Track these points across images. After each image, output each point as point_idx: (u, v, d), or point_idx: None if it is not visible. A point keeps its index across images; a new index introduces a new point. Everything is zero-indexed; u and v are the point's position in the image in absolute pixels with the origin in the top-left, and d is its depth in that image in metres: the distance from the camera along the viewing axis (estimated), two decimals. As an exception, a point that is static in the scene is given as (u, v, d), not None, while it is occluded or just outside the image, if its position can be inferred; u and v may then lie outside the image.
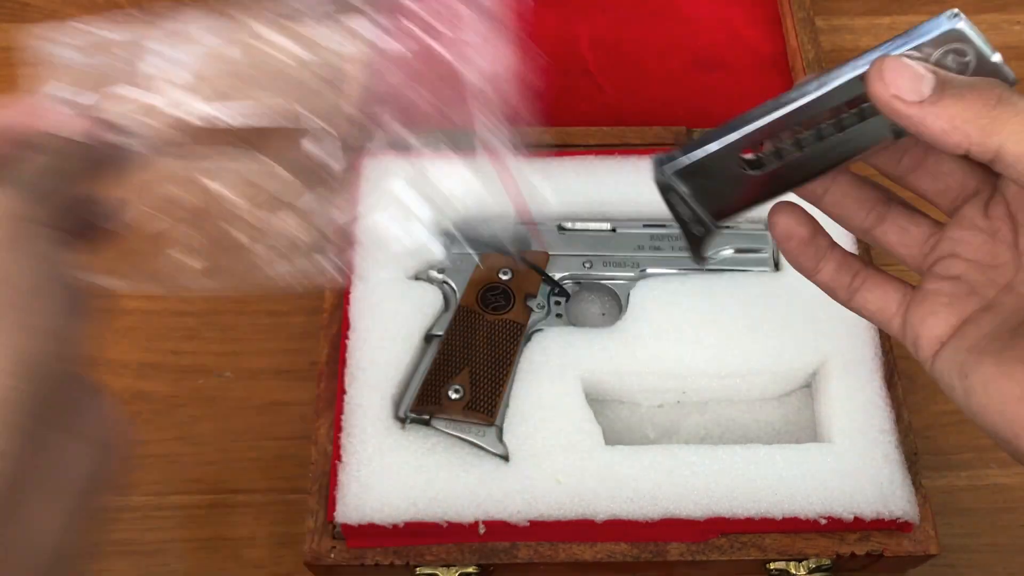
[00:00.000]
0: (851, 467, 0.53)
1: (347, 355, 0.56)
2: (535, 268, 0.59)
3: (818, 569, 0.53)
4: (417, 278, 0.60)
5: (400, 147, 0.47)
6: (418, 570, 0.52)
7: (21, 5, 0.79)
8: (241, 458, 0.61)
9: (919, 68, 0.32)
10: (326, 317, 0.59)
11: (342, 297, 0.59)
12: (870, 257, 0.57)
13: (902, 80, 0.31)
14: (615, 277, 0.60)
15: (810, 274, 0.41)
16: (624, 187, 0.63)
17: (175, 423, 0.62)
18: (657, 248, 0.61)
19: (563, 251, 0.61)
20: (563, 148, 0.66)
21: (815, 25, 0.71)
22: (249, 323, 0.66)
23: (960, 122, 0.30)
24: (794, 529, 0.53)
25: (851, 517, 0.52)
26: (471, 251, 0.59)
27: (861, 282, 0.40)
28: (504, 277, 0.59)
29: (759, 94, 0.71)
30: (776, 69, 0.73)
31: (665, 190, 0.39)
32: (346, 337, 0.57)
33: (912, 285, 0.39)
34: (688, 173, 0.38)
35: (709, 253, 0.39)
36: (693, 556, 0.52)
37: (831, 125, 0.36)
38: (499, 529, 0.52)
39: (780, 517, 0.52)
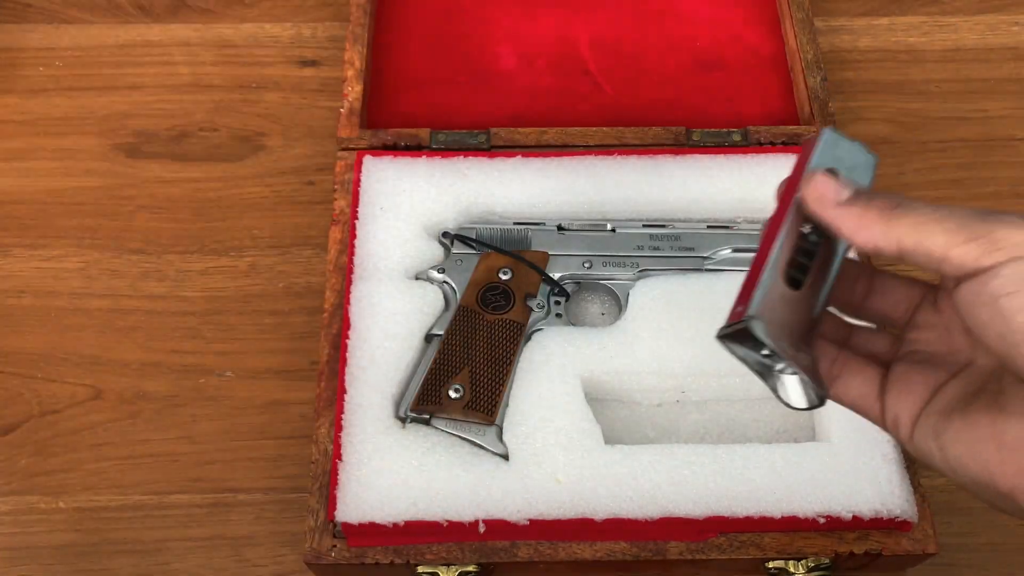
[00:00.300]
0: (850, 466, 0.53)
1: (347, 355, 0.56)
2: (535, 268, 0.60)
3: (817, 568, 0.53)
4: (417, 278, 0.60)
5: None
6: (418, 569, 0.52)
7: (22, 5, 0.79)
8: (241, 458, 0.61)
9: (841, 179, 0.39)
10: (326, 317, 0.59)
11: (342, 297, 0.59)
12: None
13: (825, 188, 0.39)
14: (614, 277, 0.60)
15: None
16: (624, 187, 0.63)
17: (176, 423, 0.62)
18: (656, 248, 0.61)
19: (563, 251, 0.61)
20: (563, 148, 0.66)
21: (814, 26, 0.71)
22: (250, 323, 0.66)
23: (867, 221, 0.37)
24: (793, 528, 0.53)
25: (850, 516, 0.52)
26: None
27: (840, 369, 0.41)
28: (504, 277, 0.59)
29: (758, 94, 0.72)
30: (775, 70, 0.73)
31: (752, 344, 0.39)
32: (346, 337, 0.57)
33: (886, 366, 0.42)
34: (760, 314, 0.38)
35: (803, 391, 0.40)
36: (692, 555, 0.52)
37: (813, 231, 0.40)
38: (499, 528, 0.52)
39: (779, 516, 0.52)
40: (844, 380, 0.41)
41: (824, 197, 0.39)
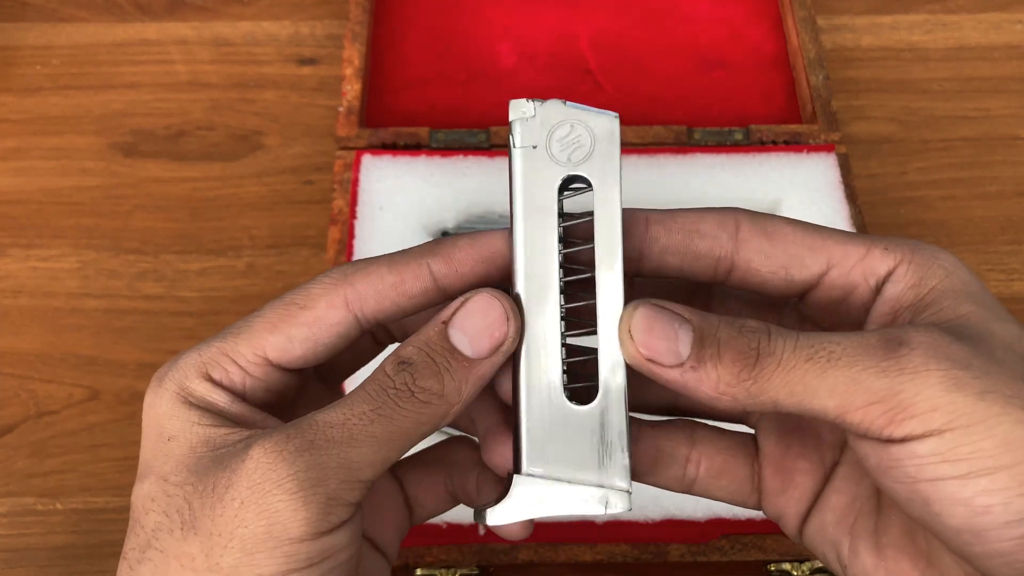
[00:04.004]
0: (853, 468, 0.53)
1: (346, 355, 0.56)
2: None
3: (819, 571, 0.52)
4: (416, 278, 0.60)
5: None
6: (418, 571, 0.52)
7: (19, 4, 0.79)
8: (240, 459, 0.61)
9: (673, 323, 0.28)
10: (325, 317, 0.58)
11: (341, 297, 0.58)
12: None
13: (656, 342, 0.28)
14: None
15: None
16: (625, 186, 0.62)
17: (173, 424, 0.62)
18: (658, 248, 0.61)
19: (563, 251, 0.60)
20: (563, 147, 0.65)
21: (816, 24, 0.71)
22: (248, 323, 0.65)
23: (724, 387, 0.28)
24: (795, 530, 0.52)
25: (853, 518, 0.52)
26: None
27: (696, 470, 0.34)
28: (504, 277, 0.59)
29: (760, 93, 0.72)
30: (777, 68, 0.73)
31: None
32: (345, 337, 0.56)
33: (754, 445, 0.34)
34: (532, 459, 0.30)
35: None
36: (694, 557, 0.52)
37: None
38: (499, 530, 0.52)
39: (781, 518, 0.52)
40: (703, 483, 0.34)
41: (655, 363, 0.28)
